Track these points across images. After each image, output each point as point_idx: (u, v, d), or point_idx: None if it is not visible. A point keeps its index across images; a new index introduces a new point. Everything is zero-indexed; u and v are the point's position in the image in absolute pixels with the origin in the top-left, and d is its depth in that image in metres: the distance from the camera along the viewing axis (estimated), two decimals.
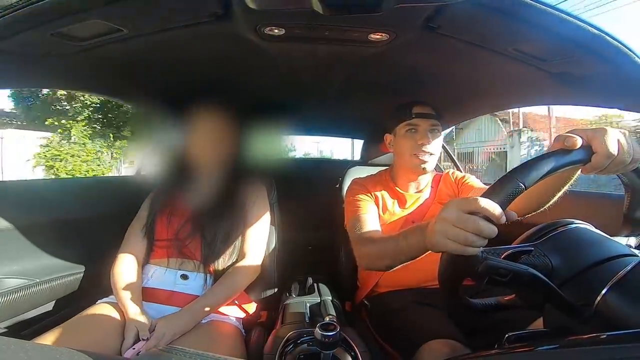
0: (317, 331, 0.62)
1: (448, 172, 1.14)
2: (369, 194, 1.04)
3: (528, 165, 0.46)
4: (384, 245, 0.77)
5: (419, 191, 1.08)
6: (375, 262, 0.81)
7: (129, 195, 1.09)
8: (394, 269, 0.76)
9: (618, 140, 0.48)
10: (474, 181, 1.06)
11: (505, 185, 0.46)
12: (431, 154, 0.99)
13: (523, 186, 0.45)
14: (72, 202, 1.14)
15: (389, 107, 1.10)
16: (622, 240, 0.57)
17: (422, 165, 1.00)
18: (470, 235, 0.45)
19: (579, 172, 0.58)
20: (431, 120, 1.00)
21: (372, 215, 0.98)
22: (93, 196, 1.22)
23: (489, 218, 0.45)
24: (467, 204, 0.46)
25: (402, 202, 1.06)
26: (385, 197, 1.07)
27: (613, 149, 0.47)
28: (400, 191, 1.07)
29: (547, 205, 0.69)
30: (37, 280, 0.97)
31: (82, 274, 1.08)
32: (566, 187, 0.64)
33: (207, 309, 0.89)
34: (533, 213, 0.72)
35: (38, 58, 0.80)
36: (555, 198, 0.67)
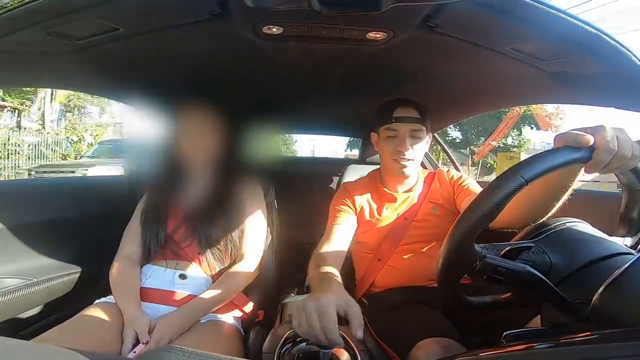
0: None
1: (442, 170, 1.13)
2: (352, 203, 1.05)
3: (530, 161, 0.47)
4: (313, 279, 0.83)
5: (408, 190, 1.08)
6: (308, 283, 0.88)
7: (126, 195, 1.09)
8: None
9: (617, 136, 0.48)
10: (472, 184, 1.05)
11: (506, 180, 0.46)
12: (411, 160, 0.99)
13: (524, 181, 0.45)
14: (68, 202, 1.14)
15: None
16: (618, 240, 0.57)
17: (402, 170, 1.00)
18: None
19: (577, 178, 0.59)
20: (412, 125, 0.98)
21: (344, 228, 1.01)
22: (90, 196, 1.22)
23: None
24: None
25: (391, 203, 1.06)
26: (374, 200, 1.07)
27: (613, 144, 0.47)
28: (389, 192, 1.07)
29: (548, 215, 0.69)
30: (35, 280, 0.96)
31: (79, 274, 1.08)
32: (565, 196, 0.64)
33: (204, 309, 0.89)
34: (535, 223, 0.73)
35: (34, 57, 0.79)
36: (556, 208, 0.67)
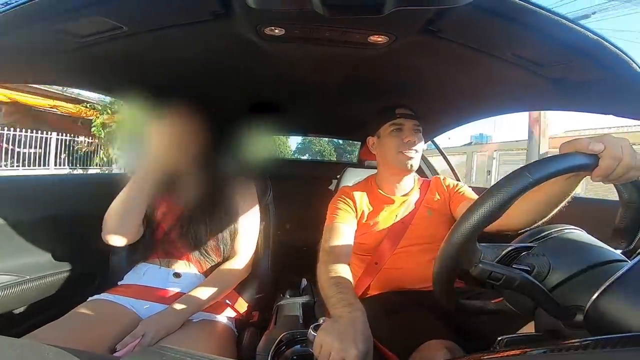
0: (310, 332, 0.62)
1: (438, 177, 1.15)
2: (352, 204, 1.06)
3: (539, 163, 0.48)
4: (326, 286, 0.81)
5: (405, 194, 1.09)
6: (319, 285, 0.86)
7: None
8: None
9: (622, 145, 0.50)
10: (467, 191, 1.06)
11: (516, 178, 0.46)
12: (416, 151, 1.03)
13: (533, 180, 0.46)
14: (63, 199, 1.13)
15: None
16: None
17: (408, 162, 1.02)
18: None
19: (578, 186, 0.61)
20: (414, 120, 1.04)
21: (346, 226, 1.01)
22: (84, 194, 1.21)
23: None
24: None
25: (389, 205, 1.07)
26: (371, 204, 1.08)
27: (618, 151, 0.49)
28: (386, 195, 1.08)
29: (547, 218, 0.71)
30: (28, 277, 0.96)
31: (72, 272, 1.07)
32: (565, 202, 0.66)
33: (193, 307, 0.87)
34: (534, 226, 0.74)
35: (37, 54, 0.79)
36: (552, 213, 0.69)
